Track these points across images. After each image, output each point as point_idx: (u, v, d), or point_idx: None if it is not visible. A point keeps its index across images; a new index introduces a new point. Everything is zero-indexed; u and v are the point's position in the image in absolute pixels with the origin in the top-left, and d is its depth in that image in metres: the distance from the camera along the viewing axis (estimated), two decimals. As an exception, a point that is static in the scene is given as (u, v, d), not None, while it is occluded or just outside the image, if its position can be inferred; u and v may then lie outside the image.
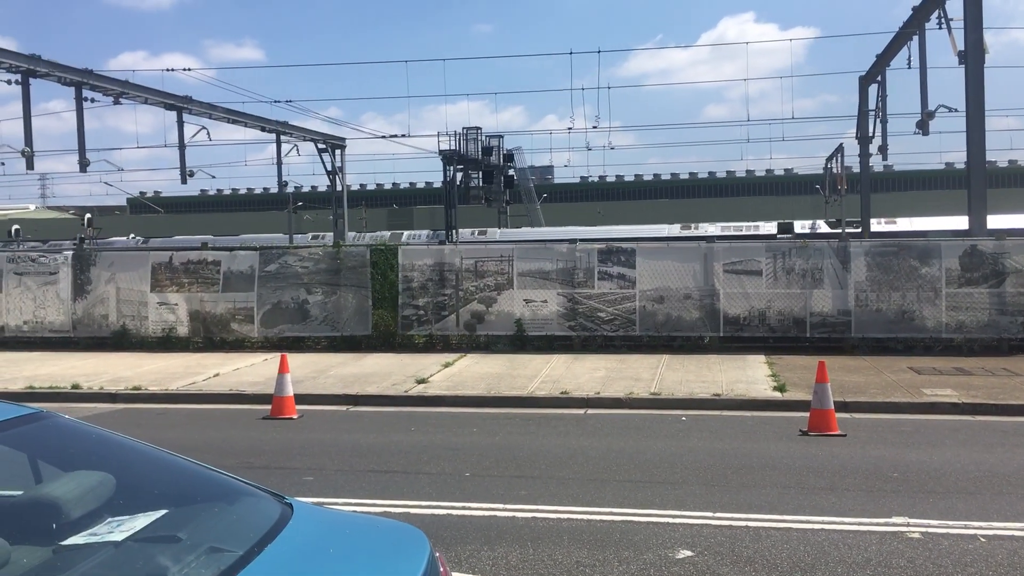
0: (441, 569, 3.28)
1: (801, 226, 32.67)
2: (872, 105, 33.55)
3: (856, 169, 37.17)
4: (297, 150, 38.04)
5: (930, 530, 6.76)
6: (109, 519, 3.03)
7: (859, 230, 30.70)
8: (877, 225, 32.21)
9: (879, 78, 32.58)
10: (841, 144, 37.88)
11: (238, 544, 2.93)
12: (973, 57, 20.44)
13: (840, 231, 30.32)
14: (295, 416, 12.02)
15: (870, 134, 34.17)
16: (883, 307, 16.85)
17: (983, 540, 6.52)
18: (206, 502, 3.39)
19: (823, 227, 32.26)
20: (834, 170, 39.26)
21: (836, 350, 16.59)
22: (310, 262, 18.98)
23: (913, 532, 6.72)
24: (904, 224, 32.23)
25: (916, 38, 26.76)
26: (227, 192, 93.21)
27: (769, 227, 32.62)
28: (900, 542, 6.51)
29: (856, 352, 16.52)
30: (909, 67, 27.65)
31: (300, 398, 12.60)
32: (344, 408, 12.88)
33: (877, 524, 6.92)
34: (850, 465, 8.88)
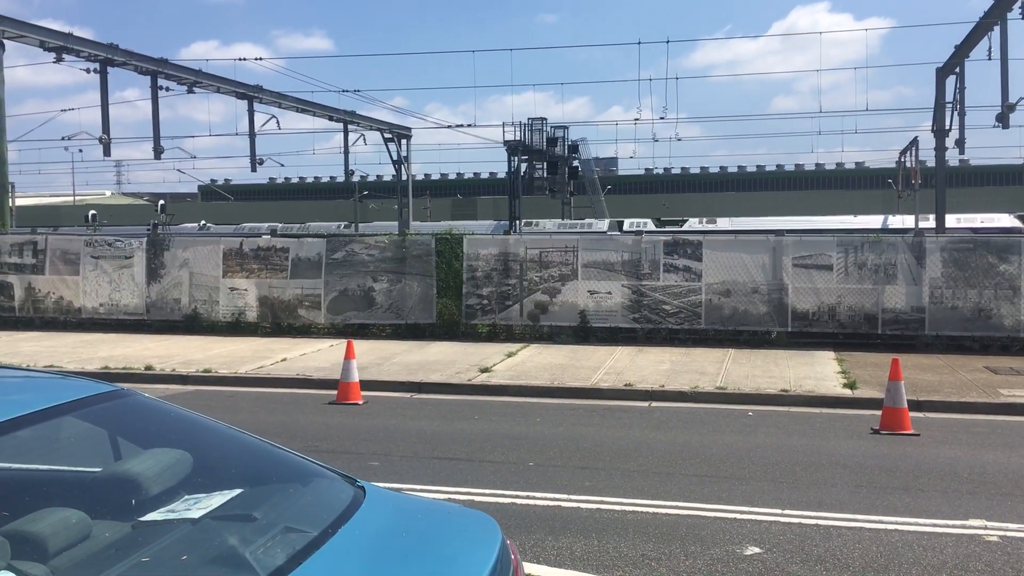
0: (512, 556, 3.26)
1: (631, 224, 32.49)
2: (949, 97, 32.58)
3: (931, 163, 36.16)
4: (364, 139, 38.47)
5: (1009, 534, 6.54)
6: (186, 497, 3.07)
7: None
8: (699, 224, 31.87)
9: (957, 69, 31.58)
10: (916, 137, 36.99)
11: (312, 525, 2.95)
12: (1059, 47, 19.65)
13: (674, 228, 30.31)
14: (360, 402, 12.14)
15: (947, 127, 33.18)
16: (959, 304, 16.36)
17: (1066, 546, 6.28)
18: (281, 483, 3.42)
19: (651, 224, 32.00)
20: (908, 164, 38.30)
21: (908, 348, 16.16)
22: (376, 250, 19.14)
23: (991, 535, 6.51)
24: (724, 224, 31.73)
25: (997, 28, 25.86)
26: (295, 180, 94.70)
27: (601, 225, 32.63)
28: (977, 545, 6.30)
29: (929, 350, 16.07)
30: (989, 58, 26.75)
31: (365, 384, 12.71)
32: (408, 395, 12.98)
33: (953, 526, 6.72)
34: (924, 465, 8.65)
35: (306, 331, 19.04)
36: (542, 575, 5.76)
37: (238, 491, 3.18)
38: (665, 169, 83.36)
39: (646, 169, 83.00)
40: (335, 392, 12.36)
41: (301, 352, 16.40)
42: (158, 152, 26.32)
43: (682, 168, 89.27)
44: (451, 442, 9.74)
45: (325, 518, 3.00)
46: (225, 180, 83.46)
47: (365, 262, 19.10)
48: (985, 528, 6.67)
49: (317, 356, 15.95)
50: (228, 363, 15.08)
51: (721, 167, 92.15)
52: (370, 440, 9.90)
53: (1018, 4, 23.17)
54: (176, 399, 12.33)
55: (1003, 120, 24.59)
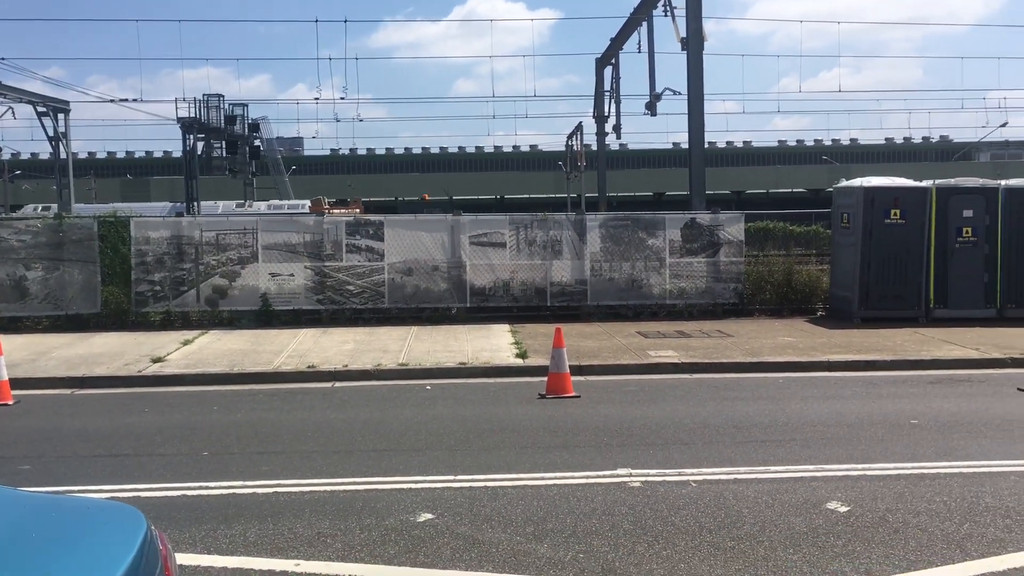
0: (161, 548, 3.16)
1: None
2: (608, 86, 35.53)
3: (595, 147, 39.27)
4: (12, 113, 34.67)
5: (649, 479, 7.34)
6: None
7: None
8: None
9: (614, 61, 34.54)
10: (580, 123, 39.87)
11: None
12: (694, 44, 22.14)
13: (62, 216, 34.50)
14: (11, 402, 10.99)
15: (606, 114, 36.17)
16: (615, 276, 17.96)
17: (694, 485, 7.18)
18: None
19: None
20: (574, 147, 41.25)
21: (574, 317, 17.48)
22: (28, 235, 17.37)
23: (635, 482, 7.27)
24: None
25: (645, 24, 28.59)
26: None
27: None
28: (623, 491, 7.02)
29: (592, 319, 17.50)
30: (639, 51, 29.54)
31: (17, 382, 11.53)
32: (69, 391, 11.97)
33: (603, 476, 7.43)
34: (582, 424, 9.45)
35: (-56, 328, 16.84)
36: (213, 565, 5.62)
37: None
38: (351, 150, 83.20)
39: (332, 150, 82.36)
40: (-20, 394, 11.10)
41: (-62, 351, 14.51)
42: None
43: (368, 149, 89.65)
44: (116, 438, 9.15)
45: (-64, 528, 2.74)
46: None
47: (15, 248, 17.26)
48: (630, 475, 7.44)
49: (-42, 355, 14.20)
50: None
51: (406, 148, 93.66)
52: (21, 442, 9.03)
53: (661, 2, 25.71)
54: None
55: (651, 108, 27.23)
